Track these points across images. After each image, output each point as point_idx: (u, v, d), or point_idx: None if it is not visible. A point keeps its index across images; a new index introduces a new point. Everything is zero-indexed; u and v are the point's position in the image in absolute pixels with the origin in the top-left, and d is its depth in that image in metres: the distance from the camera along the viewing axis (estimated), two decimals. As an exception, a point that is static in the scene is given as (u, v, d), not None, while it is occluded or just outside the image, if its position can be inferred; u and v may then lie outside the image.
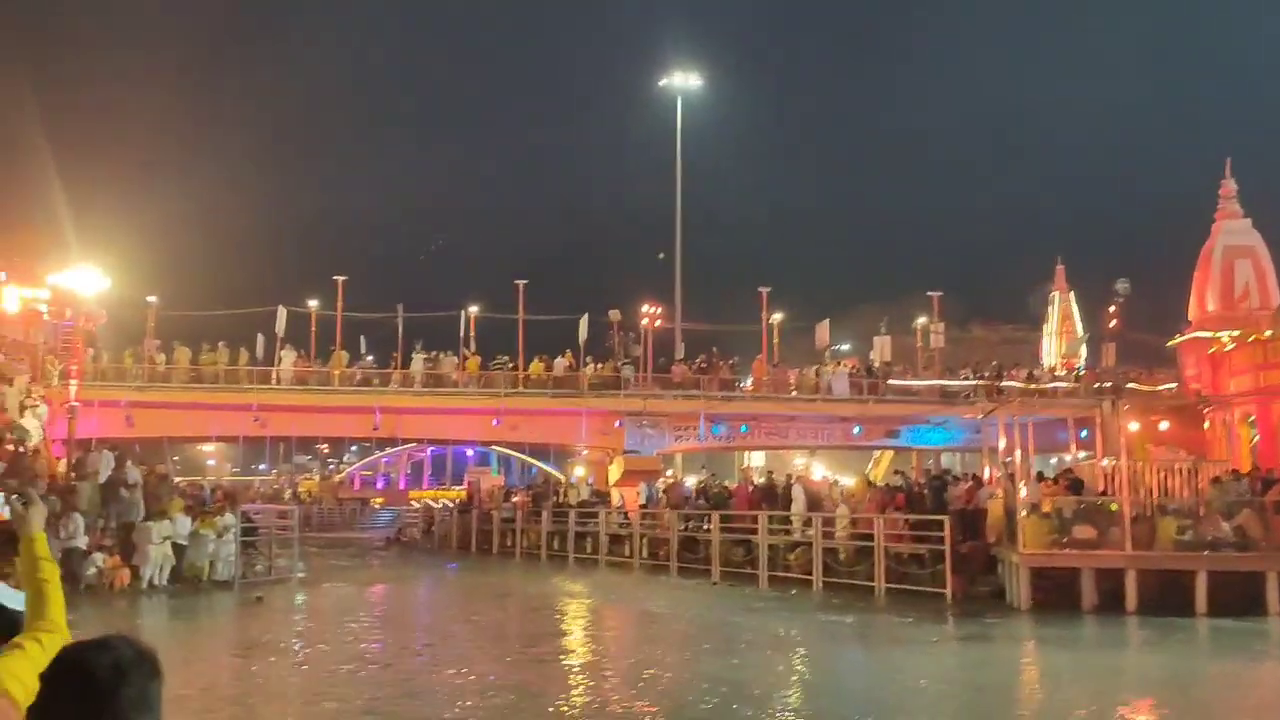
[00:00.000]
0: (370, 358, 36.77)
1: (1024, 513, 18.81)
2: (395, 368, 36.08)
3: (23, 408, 24.85)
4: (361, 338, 37.28)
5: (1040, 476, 22.63)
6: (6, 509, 16.15)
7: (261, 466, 76.79)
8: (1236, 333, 29.80)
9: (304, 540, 30.87)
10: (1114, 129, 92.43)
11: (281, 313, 35.12)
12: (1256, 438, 27.43)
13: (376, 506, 61.69)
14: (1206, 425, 30.80)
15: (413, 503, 57.58)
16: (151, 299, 35.54)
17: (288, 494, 54.08)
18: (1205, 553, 18.14)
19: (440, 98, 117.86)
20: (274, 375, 34.99)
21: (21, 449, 21.96)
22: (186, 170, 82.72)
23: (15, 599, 3.02)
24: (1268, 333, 28.78)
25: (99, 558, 18.94)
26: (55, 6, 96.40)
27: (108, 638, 2.23)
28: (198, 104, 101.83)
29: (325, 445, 75.82)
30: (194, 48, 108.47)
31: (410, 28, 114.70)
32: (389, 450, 68.29)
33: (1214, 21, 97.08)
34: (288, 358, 35.35)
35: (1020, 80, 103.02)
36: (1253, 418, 27.78)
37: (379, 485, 73.80)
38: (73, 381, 24.74)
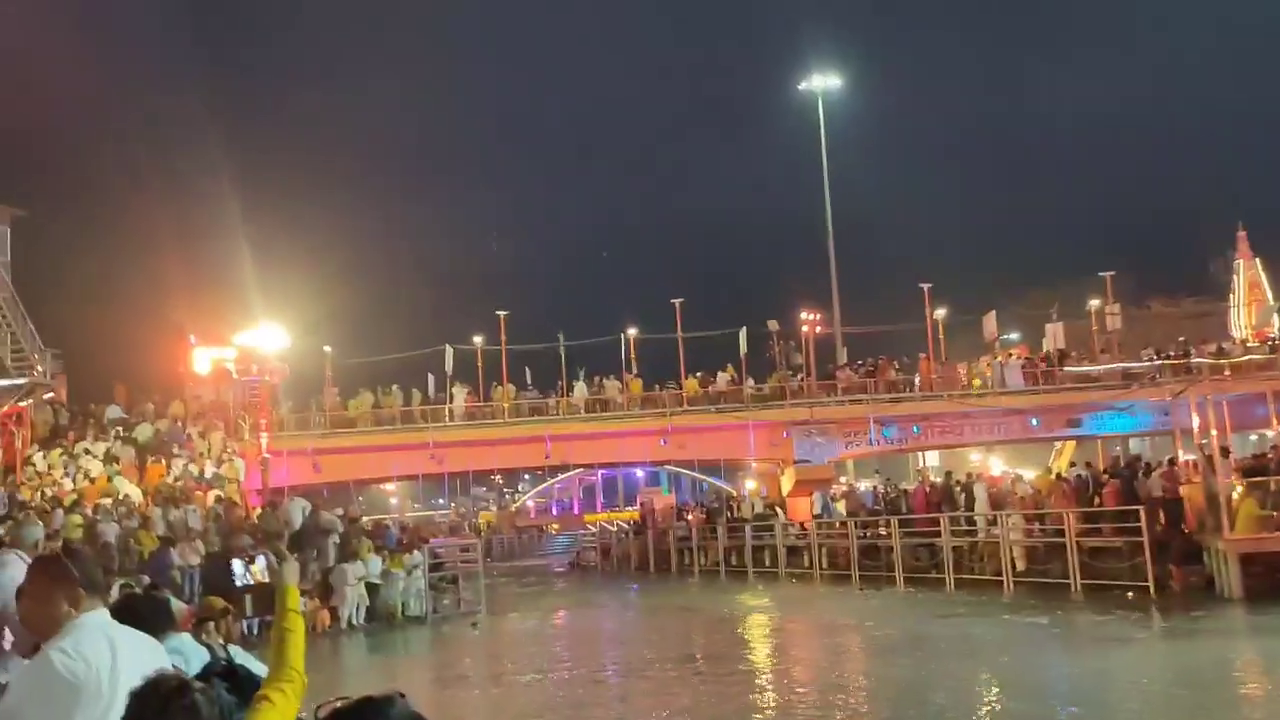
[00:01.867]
0: (534, 390, 37.42)
1: (1231, 494, 17.75)
2: (560, 395, 36.69)
3: (220, 463, 26.29)
4: (526, 369, 38.08)
5: (1250, 456, 21.34)
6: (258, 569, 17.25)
7: (440, 501, 79.12)
8: None
9: (487, 571, 31.72)
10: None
11: (449, 351, 36.14)
12: None
13: (553, 533, 62.83)
14: None
15: (588, 526, 58.40)
16: (328, 349, 37.14)
17: (468, 526, 55.53)
18: None
19: (587, 122, 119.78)
20: (446, 412, 35.99)
21: (229, 504, 23.25)
22: (348, 221, 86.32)
23: (253, 662, 3.18)
24: None
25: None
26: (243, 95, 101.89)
27: (389, 696, 2.34)
28: (356, 156, 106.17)
29: (499, 476, 77.67)
30: (361, 111, 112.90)
31: (555, 54, 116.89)
32: (561, 476, 69.38)
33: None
34: (458, 394, 36.32)
35: (1181, 42, 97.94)
36: None
37: (554, 511, 75.09)
38: (263, 434, 26.02)
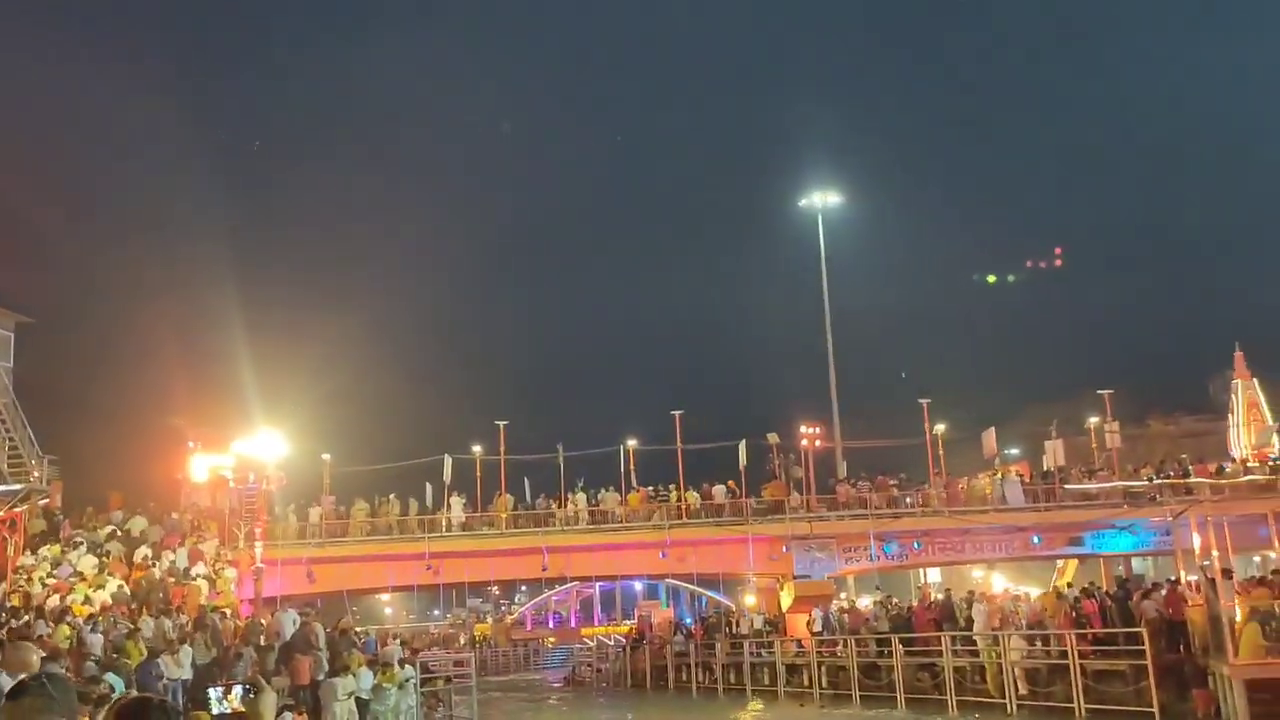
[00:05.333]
0: (537, 500, 37.21)
1: (1234, 618, 17.52)
2: (559, 507, 36.49)
3: (216, 572, 26.08)
4: (525, 479, 37.89)
5: (1251, 579, 21.13)
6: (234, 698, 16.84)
7: (435, 612, 78.11)
8: None
9: (481, 684, 31.16)
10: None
11: (448, 461, 36.06)
12: None
13: (550, 645, 61.83)
14: None
15: (585, 640, 57.47)
16: (326, 456, 37.02)
17: (463, 639, 54.66)
18: None
19: (591, 229, 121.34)
20: (444, 522, 35.80)
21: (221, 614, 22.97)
22: (351, 330, 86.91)
23: None
24: None
25: (288, 717, 19.40)
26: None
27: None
28: (355, 263, 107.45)
29: (496, 587, 76.76)
30: (360, 219, 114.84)
31: (561, 157, 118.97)
32: (558, 588, 68.50)
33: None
34: (456, 504, 36.15)
35: (1180, 170, 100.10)
36: None
37: (551, 624, 73.98)
38: (258, 543, 25.84)
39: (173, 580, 26.07)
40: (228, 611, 24.70)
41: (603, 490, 36.87)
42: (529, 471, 38.03)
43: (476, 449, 38.14)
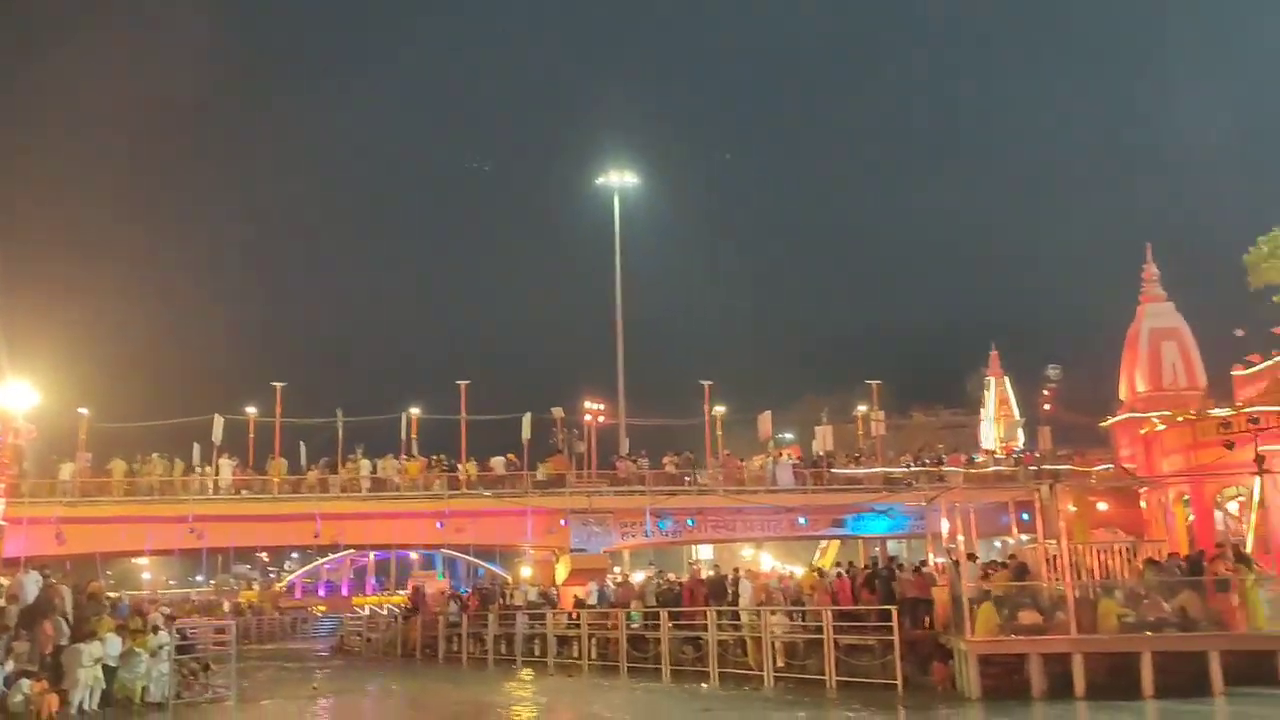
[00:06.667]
0: (314, 464, 36.09)
1: (970, 599, 18.87)
2: (336, 473, 35.59)
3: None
4: (301, 444, 36.73)
5: (992, 562, 22.75)
6: None
7: (199, 578, 74.92)
8: (1166, 413, 30.50)
9: (245, 653, 30.10)
10: (1041, 217, 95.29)
11: (218, 421, 34.62)
12: (1191, 517, 27.87)
13: (319, 615, 60.44)
14: (1143, 505, 31.32)
15: (357, 609, 56.47)
16: (83, 411, 34.80)
17: (227, 606, 52.63)
18: (1148, 634, 18.28)
19: (376, 199, 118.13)
20: (211, 485, 34.39)
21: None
22: (117, 278, 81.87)
23: None
24: (1194, 413, 29.49)
25: (25, 684, 18.22)
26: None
27: None
28: (128, 211, 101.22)
29: (265, 554, 74.34)
30: (129, 160, 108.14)
31: (345, 135, 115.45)
32: (331, 556, 67.11)
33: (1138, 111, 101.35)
34: (225, 467, 34.78)
35: (964, 181, 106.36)
36: (1186, 497, 28.26)
37: (321, 593, 72.37)
38: (1, 500, 24.09)
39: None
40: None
41: (381, 460, 36.19)
42: (306, 436, 36.94)
43: (251, 410, 36.74)
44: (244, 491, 34.90)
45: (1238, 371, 38.16)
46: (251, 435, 36.09)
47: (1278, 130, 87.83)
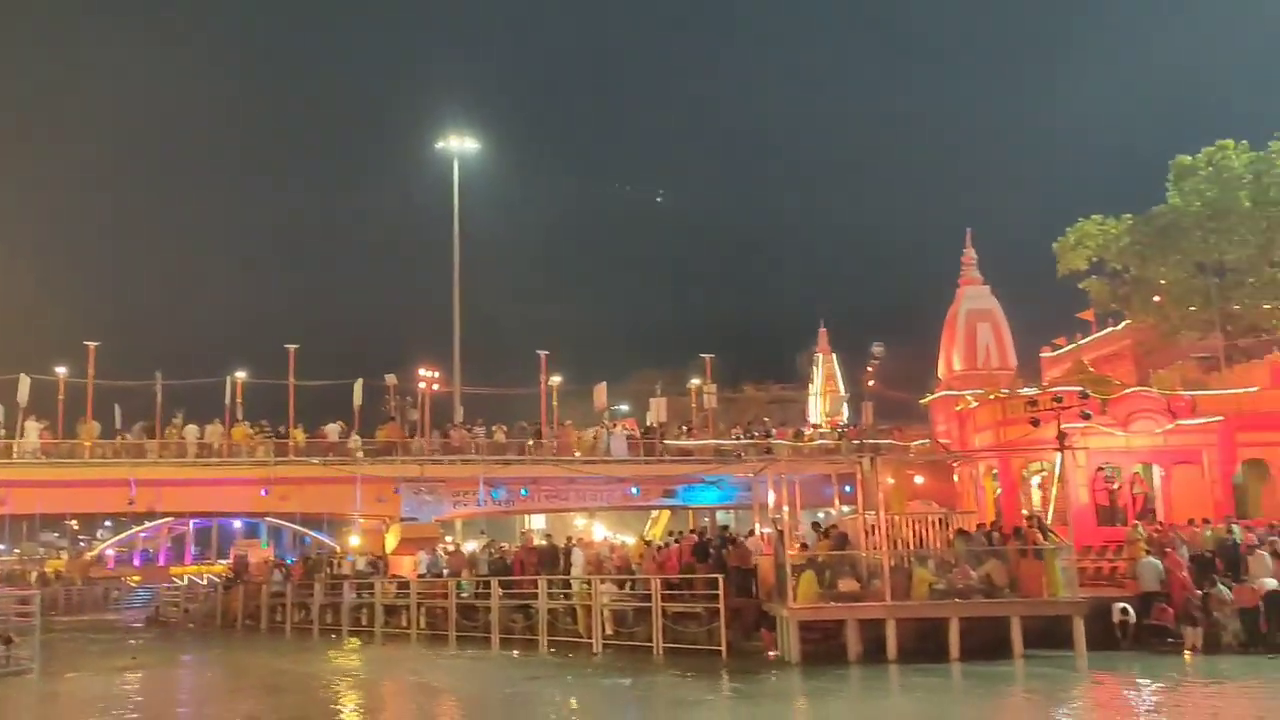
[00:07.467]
0: (133, 427, 34.44)
1: (792, 567, 19.54)
2: (154, 437, 34.11)
3: None
4: (116, 406, 34.98)
5: (817, 528, 23.56)
6: None
7: (1, 546, 70.75)
8: (979, 391, 32.12)
9: (51, 625, 28.68)
10: (869, 198, 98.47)
11: (24, 381, 32.70)
12: (999, 490, 29.44)
13: (133, 585, 57.95)
14: (956, 479, 32.94)
15: (174, 579, 54.46)
16: None
17: (33, 576, 49.93)
18: (956, 601, 19.32)
19: (205, 152, 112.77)
20: (15, 449, 32.51)
21: None
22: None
23: None
24: (1005, 391, 31.15)
25: None
26: None
27: None
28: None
29: (75, 522, 70.77)
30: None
31: (170, 86, 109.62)
32: (147, 525, 64.43)
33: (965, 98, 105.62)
34: (32, 430, 32.92)
35: (796, 151, 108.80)
36: (995, 471, 29.83)
37: (136, 562, 69.37)
38: None
39: None
40: None
41: (208, 426, 34.86)
42: (122, 399, 35.21)
43: (61, 370, 34.82)
44: (51, 455, 33.09)
45: (1045, 353, 40.70)
46: (61, 397, 34.21)
47: (1089, 129, 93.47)
